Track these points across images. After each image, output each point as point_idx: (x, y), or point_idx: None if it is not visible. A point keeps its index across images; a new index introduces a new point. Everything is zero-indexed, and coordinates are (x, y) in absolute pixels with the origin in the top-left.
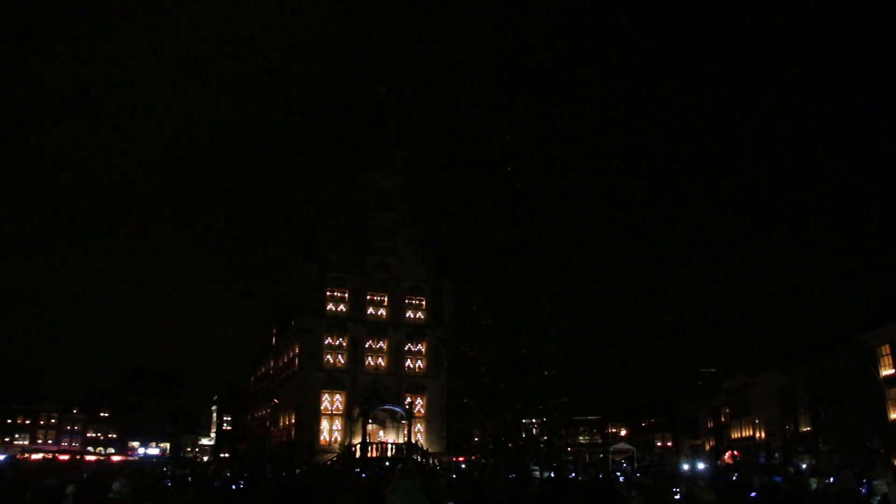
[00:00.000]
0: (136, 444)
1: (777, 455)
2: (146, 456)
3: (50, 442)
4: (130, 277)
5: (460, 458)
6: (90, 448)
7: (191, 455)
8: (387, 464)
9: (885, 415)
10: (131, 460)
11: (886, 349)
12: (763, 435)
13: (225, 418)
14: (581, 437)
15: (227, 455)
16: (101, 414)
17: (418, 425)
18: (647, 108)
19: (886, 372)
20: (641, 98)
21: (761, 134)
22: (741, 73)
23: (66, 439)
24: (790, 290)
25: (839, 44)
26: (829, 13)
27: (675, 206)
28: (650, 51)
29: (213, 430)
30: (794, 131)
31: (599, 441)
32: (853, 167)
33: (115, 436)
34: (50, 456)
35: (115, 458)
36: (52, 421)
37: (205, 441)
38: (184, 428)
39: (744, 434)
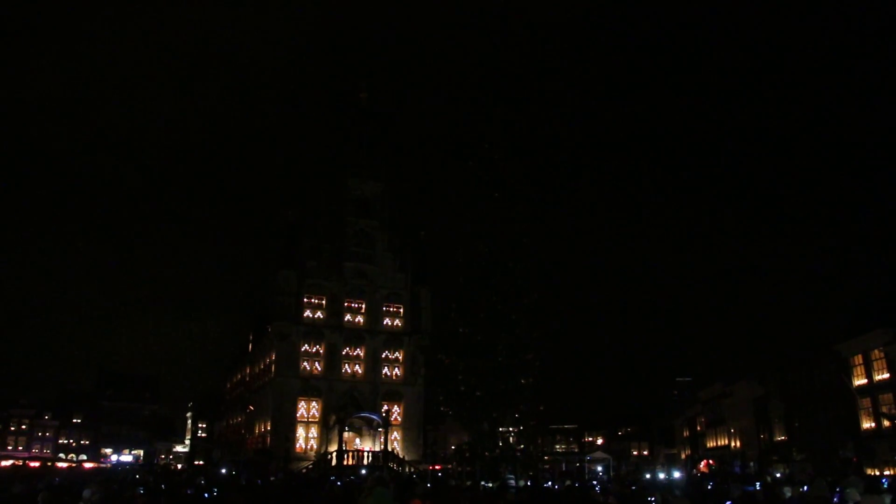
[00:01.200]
0: (109, 450)
1: (752, 464)
2: (119, 463)
3: (20, 448)
4: (107, 281)
5: (437, 467)
6: (62, 454)
7: (165, 462)
8: (362, 472)
9: (857, 424)
10: (104, 467)
11: (859, 359)
12: (738, 444)
13: (200, 425)
14: (557, 446)
15: (201, 462)
16: (74, 420)
17: (395, 433)
18: (639, 111)
19: (859, 382)
20: (634, 102)
21: (740, 149)
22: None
23: (38, 445)
24: (766, 301)
25: (839, 46)
26: (829, 13)
27: (653, 218)
28: (648, 50)
29: (188, 437)
30: (780, 140)
31: (576, 450)
32: (831, 181)
33: (87, 442)
34: (20, 462)
35: (88, 465)
36: (23, 427)
37: (179, 448)
38: (158, 435)
39: (719, 443)
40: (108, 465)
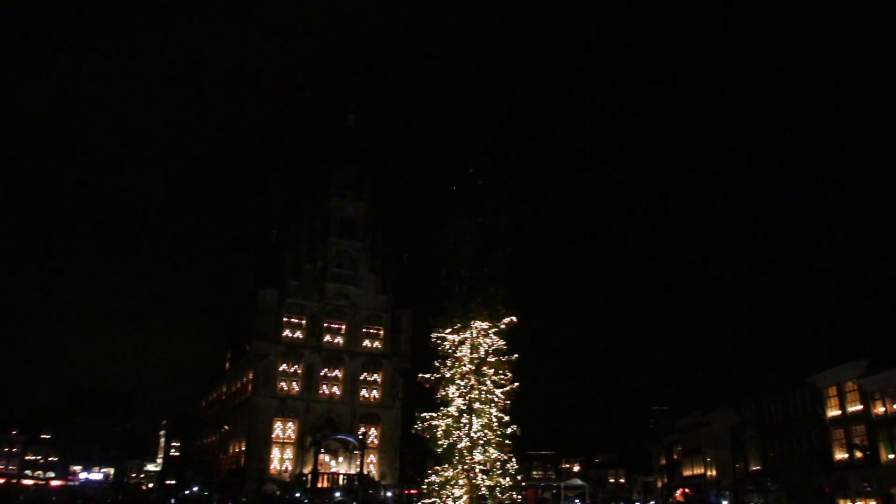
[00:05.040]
0: (78, 468)
1: (727, 493)
2: (88, 481)
3: None
4: (80, 294)
5: (413, 491)
6: (28, 472)
7: (135, 481)
8: (336, 495)
9: (830, 455)
10: (72, 485)
11: (833, 391)
12: (714, 473)
13: (173, 444)
14: (534, 472)
15: (173, 482)
16: (43, 436)
17: (371, 456)
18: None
19: (833, 413)
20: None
21: (726, 165)
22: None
23: (3, 462)
24: (743, 332)
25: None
26: (829, 15)
27: (633, 246)
28: (644, 56)
29: (161, 455)
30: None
31: (553, 476)
32: (808, 214)
33: (56, 459)
34: None
35: (55, 483)
36: None
37: (151, 467)
38: (130, 453)
39: (695, 472)
40: (77, 483)
